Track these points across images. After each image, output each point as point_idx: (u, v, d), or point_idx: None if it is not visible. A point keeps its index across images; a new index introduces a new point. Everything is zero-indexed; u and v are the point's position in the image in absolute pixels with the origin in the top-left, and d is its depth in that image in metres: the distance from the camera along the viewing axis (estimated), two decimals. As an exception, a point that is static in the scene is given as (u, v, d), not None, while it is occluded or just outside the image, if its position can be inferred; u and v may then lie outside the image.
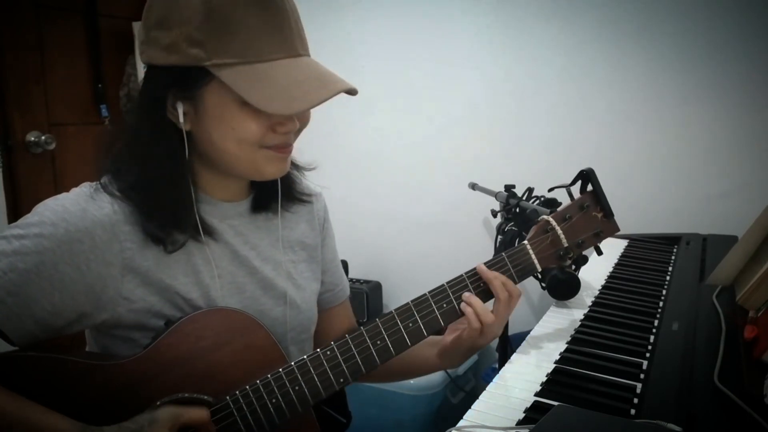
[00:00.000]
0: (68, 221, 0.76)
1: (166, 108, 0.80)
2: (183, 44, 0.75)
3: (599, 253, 1.02)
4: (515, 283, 0.95)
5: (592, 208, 0.98)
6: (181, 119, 0.79)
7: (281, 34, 0.78)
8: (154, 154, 0.81)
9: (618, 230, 1.00)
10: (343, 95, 0.81)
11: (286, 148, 0.84)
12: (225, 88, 0.76)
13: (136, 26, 2.25)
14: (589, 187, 0.99)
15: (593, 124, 1.96)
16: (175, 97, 0.79)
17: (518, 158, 2.08)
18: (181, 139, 0.81)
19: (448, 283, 0.92)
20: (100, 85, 2.18)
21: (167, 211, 0.82)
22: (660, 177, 1.90)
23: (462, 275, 0.93)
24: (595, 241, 0.99)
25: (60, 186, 2.07)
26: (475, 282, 0.93)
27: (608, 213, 0.99)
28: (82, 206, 0.78)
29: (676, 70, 1.82)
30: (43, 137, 2.00)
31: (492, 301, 0.93)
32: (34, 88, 2.01)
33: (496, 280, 0.92)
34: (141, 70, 2.19)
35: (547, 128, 2.02)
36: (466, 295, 0.91)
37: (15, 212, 1.93)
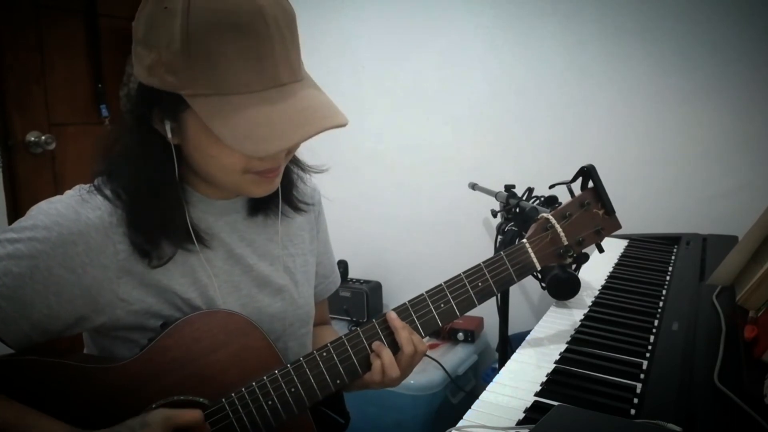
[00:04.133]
0: (61, 224, 0.76)
1: (154, 122, 0.79)
2: (160, 69, 0.73)
3: (600, 250, 1.01)
4: (514, 282, 0.94)
5: (593, 206, 0.97)
6: (169, 135, 0.78)
7: (261, 64, 0.72)
8: (144, 165, 0.80)
9: (620, 227, 0.99)
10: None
11: (272, 172, 0.82)
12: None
13: (136, 26, 2.24)
14: (590, 184, 0.98)
15: (593, 124, 1.96)
16: (161, 114, 0.78)
17: (518, 158, 2.08)
18: (170, 152, 0.80)
19: (361, 328, 0.89)
20: (100, 85, 2.18)
21: (155, 221, 0.81)
22: (660, 177, 1.90)
23: (373, 322, 0.89)
24: (596, 239, 0.98)
25: (60, 186, 2.06)
26: (386, 330, 0.89)
27: (609, 210, 0.97)
28: (76, 209, 0.78)
29: (677, 71, 1.82)
30: (43, 137, 2.00)
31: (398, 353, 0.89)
32: (34, 88, 2.00)
33: (403, 331, 0.88)
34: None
35: (548, 128, 2.02)
36: (377, 345, 0.88)
37: (15, 212, 1.92)
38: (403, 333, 0.88)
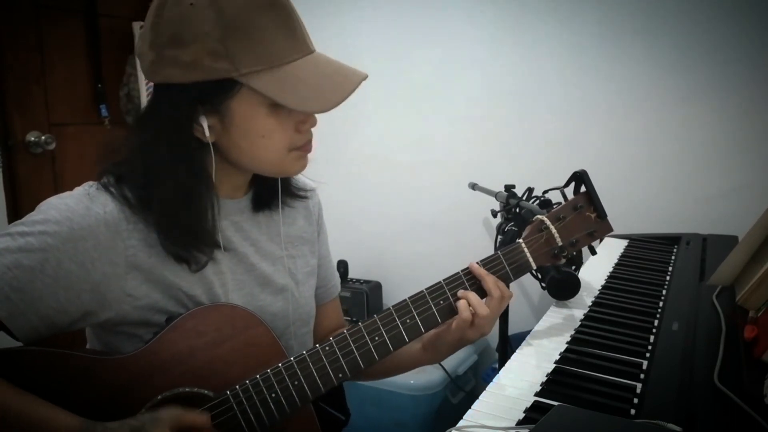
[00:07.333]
0: (72, 219, 0.77)
1: (191, 125, 0.80)
2: (206, 59, 0.75)
3: (593, 252, 1.03)
4: (511, 280, 0.96)
5: (585, 209, 1.00)
6: (207, 133, 0.80)
7: (295, 34, 0.80)
8: (177, 174, 0.81)
9: (611, 230, 1.02)
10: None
11: (309, 144, 0.87)
12: (253, 96, 0.78)
13: (136, 26, 2.24)
14: (583, 189, 1.01)
15: (594, 124, 1.96)
16: (199, 112, 0.79)
17: (518, 158, 2.08)
18: (205, 153, 0.82)
19: (444, 280, 0.93)
20: (100, 85, 2.18)
21: (190, 231, 0.82)
22: (660, 177, 1.90)
23: (458, 273, 0.94)
24: (588, 241, 1.01)
25: (60, 186, 2.07)
26: (471, 280, 0.94)
27: (601, 213, 1.00)
28: (86, 204, 0.78)
29: (677, 71, 1.82)
30: (43, 137, 2.00)
31: (486, 299, 0.94)
32: (34, 88, 2.01)
33: (489, 277, 0.93)
34: (141, 73, 2.18)
35: (548, 128, 2.02)
36: (462, 291, 0.93)
37: (15, 212, 1.93)
38: (489, 279, 0.93)
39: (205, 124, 0.80)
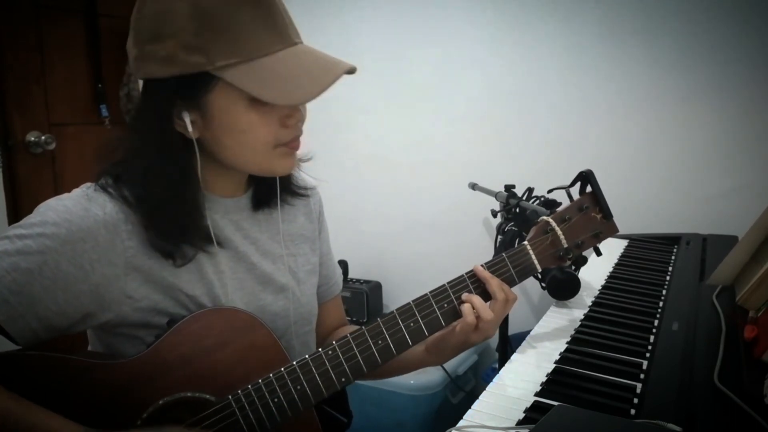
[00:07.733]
0: (71, 221, 0.76)
1: (172, 121, 0.80)
2: (181, 53, 0.75)
3: (598, 254, 1.02)
4: (515, 283, 0.95)
5: (591, 210, 0.98)
6: (190, 129, 0.79)
7: (275, 26, 0.78)
8: (164, 170, 0.81)
9: (617, 231, 1.00)
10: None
11: (296, 141, 0.84)
12: (230, 90, 0.77)
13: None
14: (588, 189, 1.00)
15: (594, 124, 1.96)
16: (180, 108, 0.79)
17: (518, 158, 2.08)
18: (190, 149, 0.81)
19: (449, 283, 0.92)
20: (100, 85, 2.18)
21: (177, 225, 0.81)
22: (660, 177, 1.90)
23: (463, 275, 0.93)
24: (594, 242, 0.99)
25: (60, 186, 2.06)
26: (476, 283, 0.93)
27: (607, 214, 0.99)
28: (85, 206, 0.78)
29: (677, 71, 1.82)
30: (43, 137, 2.00)
31: (490, 302, 0.93)
32: (34, 88, 2.00)
33: (493, 280, 0.92)
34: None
35: (548, 128, 2.02)
36: (466, 294, 0.92)
37: (15, 212, 1.92)
38: (493, 282, 0.92)
39: (187, 119, 0.79)
